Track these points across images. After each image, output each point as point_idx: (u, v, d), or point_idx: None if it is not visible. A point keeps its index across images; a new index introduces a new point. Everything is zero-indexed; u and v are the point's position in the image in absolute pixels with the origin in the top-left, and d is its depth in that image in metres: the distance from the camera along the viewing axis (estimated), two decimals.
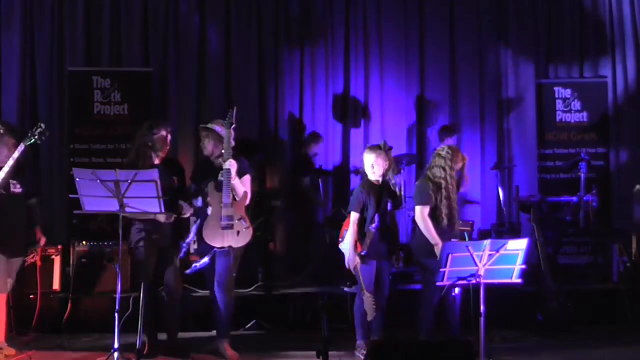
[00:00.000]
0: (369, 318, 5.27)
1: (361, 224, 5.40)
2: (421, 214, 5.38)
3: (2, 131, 5.36)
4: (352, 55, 8.37)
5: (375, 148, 5.48)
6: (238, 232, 5.25)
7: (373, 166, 5.41)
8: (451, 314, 5.47)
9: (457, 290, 5.41)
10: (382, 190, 5.39)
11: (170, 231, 5.38)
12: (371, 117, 8.35)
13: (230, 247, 5.27)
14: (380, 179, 5.45)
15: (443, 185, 5.41)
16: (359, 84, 8.36)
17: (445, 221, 5.39)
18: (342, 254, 5.49)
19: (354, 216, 5.41)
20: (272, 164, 8.16)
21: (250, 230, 5.34)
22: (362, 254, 5.28)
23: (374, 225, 5.27)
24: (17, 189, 5.39)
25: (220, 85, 8.18)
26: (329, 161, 8.19)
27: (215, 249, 5.23)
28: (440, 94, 8.38)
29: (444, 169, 5.44)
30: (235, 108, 5.47)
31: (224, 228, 5.20)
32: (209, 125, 5.43)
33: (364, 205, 5.39)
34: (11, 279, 5.43)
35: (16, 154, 5.22)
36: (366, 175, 5.51)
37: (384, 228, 5.38)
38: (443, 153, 5.52)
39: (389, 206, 5.38)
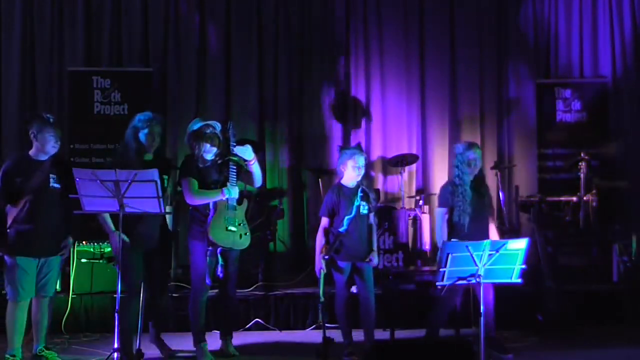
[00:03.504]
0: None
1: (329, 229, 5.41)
2: (437, 214, 5.51)
3: (51, 120, 5.09)
4: (353, 54, 8.38)
5: (362, 150, 5.54)
6: (240, 236, 5.28)
7: (360, 168, 5.41)
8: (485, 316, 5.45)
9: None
10: (354, 194, 5.34)
11: (160, 233, 5.29)
12: (372, 116, 8.36)
13: (232, 248, 5.30)
14: (357, 181, 5.45)
15: (457, 183, 5.45)
16: (360, 84, 8.37)
17: (467, 220, 5.40)
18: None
19: (322, 221, 5.44)
20: (272, 163, 8.16)
21: (249, 235, 5.37)
22: (326, 257, 5.18)
23: (342, 228, 5.19)
24: (55, 184, 5.07)
25: (220, 85, 8.19)
26: (331, 162, 8.19)
27: (220, 248, 5.23)
28: (441, 94, 8.38)
29: (457, 167, 5.51)
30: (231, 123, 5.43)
31: (228, 230, 5.21)
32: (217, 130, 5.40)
33: (334, 209, 5.40)
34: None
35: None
36: (339, 178, 5.50)
37: (356, 230, 5.34)
38: (454, 151, 5.60)
39: (362, 209, 5.33)
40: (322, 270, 5.14)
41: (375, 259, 5.46)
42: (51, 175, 5.07)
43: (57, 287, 6.43)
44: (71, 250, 6.52)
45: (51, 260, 5.15)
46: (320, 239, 5.40)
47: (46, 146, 5.08)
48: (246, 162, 5.33)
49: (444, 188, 5.59)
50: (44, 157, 5.11)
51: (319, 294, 4.83)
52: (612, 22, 8.40)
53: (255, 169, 5.39)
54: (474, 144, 5.62)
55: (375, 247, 5.51)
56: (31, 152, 5.13)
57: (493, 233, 5.58)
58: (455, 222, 5.43)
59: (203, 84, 8.19)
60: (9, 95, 7.90)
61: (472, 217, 5.41)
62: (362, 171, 5.42)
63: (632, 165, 8.21)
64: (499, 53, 8.45)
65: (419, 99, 8.39)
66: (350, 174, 5.41)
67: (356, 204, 5.27)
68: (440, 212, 5.50)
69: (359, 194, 5.29)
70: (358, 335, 5.46)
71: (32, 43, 7.98)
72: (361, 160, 5.41)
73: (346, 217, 5.19)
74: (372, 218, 5.48)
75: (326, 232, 5.43)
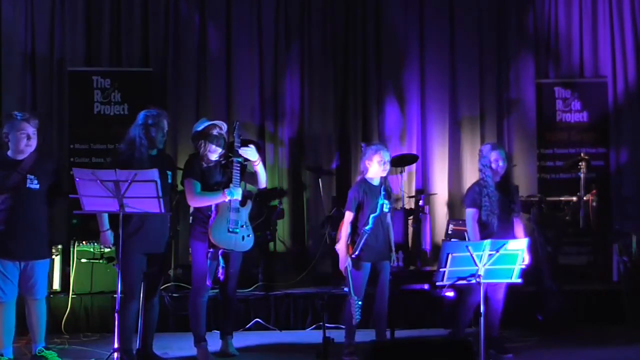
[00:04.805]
0: (353, 322, 5.21)
1: (355, 224, 5.35)
2: (467, 217, 5.52)
3: (19, 118, 5.00)
4: (352, 54, 8.37)
5: (387, 146, 5.53)
6: (243, 238, 5.28)
7: (386, 163, 5.37)
8: (492, 315, 5.47)
9: (451, 294, 5.45)
10: (378, 191, 5.36)
11: (166, 235, 5.24)
12: (371, 116, 8.34)
13: (233, 250, 5.30)
14: (381, 177, 5.43)
15: (483, 185, 5.49)
16: (359, 83, 8.36)
17: (494, 220, 5.42)
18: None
19: (348, 216, 5.35)
20: (272, 163, 8.15)
21: (253, 237, 5.38)
22: (353, 256, 5.22)
23: (368, 227, 5.20)
24: (33, 185, 5.00)
25: (221, 85, 8.19)
26: (331, 162, 8.20)
27: (221, 250, 5.23)
28: (441, 94, 8.37)
29: (481, 170, 5.57)
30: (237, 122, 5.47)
31: (230, 232, 5.22)
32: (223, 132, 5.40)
33: (360, 205, 5.35)
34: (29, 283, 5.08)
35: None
36: (362, 174, 5.48)
37: (379, 229, 5.34)
38: (479, 153, 5.66)
39: (385, 207, 5.35)
40: (347, 268, 5.19)
41: (394, 258, 5.53)
42: (29, 176, 5.00)
43: (58, 287, 6.55)
44: (71, 250, 6.60)
45: (35, 263, 5.07)
46: (345, 235, 5.32)
47: (19, 145, 5.01)
48: (251, 163, 5.35)
49: (471, 189, 5.62)
50: (21, 157, 5.03)
51: (324, 293, 4.83)
52: (612, 22, 8.39)
53: (260, 169, 5.40)
54: (496, 146, 5.67)
55: (393, 247, 5.52)
56: (8, 152, 5.07)
57: (519, 231, 5.60)
58: (484, 221, 5.45)
59: (203, 84, 8.19)
60: (9, 95, 7.89)
61: (500, 217, 5.44)
62: (388, 167, 5.40)
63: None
64: (499, 53, 8.44)
65: (419, 98, 8.39)
66: (376, 169, 5.37)
67: (380, 202, 5.27)
68: (470, 212, 5.50)
69: (382, 192, 5.30)
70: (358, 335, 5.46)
71: (32, 43, 7.97)
72: (387, 155, 5.38)
73: (372, 216, 5.21)
74: (389, 217, 5.49)
75: (352, 228, 5.36)
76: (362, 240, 5.20)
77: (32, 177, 5.01)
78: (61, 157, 7.71)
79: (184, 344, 5.74)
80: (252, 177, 5.44)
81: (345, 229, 5.33)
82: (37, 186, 5.03)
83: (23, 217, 4.99)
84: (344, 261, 5.29)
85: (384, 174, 5.38)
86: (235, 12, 8.25)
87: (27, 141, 5.01)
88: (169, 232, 5.28)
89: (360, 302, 5.15)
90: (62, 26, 7.99)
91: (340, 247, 5.34)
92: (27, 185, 4.99)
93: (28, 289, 5.09)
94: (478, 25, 8.43)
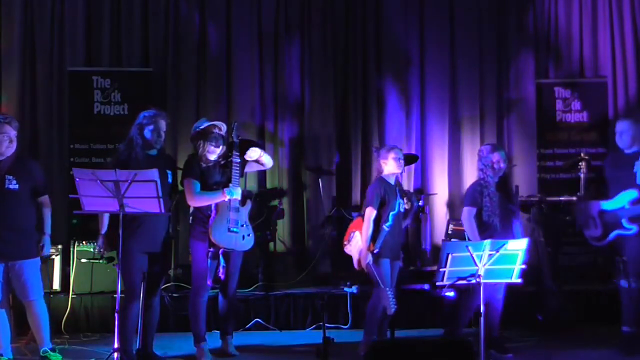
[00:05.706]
0: (390, 312, 5.18)
1: (377, 221, 5.37)
2: (465, 214, 5.51)
3: (1, 120, 5.06)
4: (352, 54, 8.36)
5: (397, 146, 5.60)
6: (243, 237, 5.29)
7: (401, 160, 5.46)
8: (492, 314, 5.48)
9: (451, 293, 5.45)
10: (394, 190, 5.40)
11: (165, 235, 5.26)
12: (371, 116, 8.34)
13: (234, 250, 5.30)
14: (396, 174, 5.47)
15: (484, 185, 5.49)
16: (359, 83, 8.35)
17: (496, 221, 5.43)
18: (344, 255, 5.48)
19: (369, 212, 5.35)
20: (272, 163, 8.14)
21: (253, 237, 5.40)
22: (375, 252, 5.25)
23: (388, 223, 5.26)
24: (12, 185, 5.03)
25: (221, 85, 8.18)
26: (330, 162, 8.19)
27: (222, 249, 5.24)
28: (441, 94, 8.37)
29: (481, 170, 5.57)
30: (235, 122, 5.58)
31: (230, 231, 5.22)
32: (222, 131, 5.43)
33: (382, 202, 5.36)
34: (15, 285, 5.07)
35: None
36: (380, 174, 5.50)
37: (397, 228, 5.38)
38: (479, 154, 5.66)
39: (401, 206, 5.37)
40: (369, 263, 5.22)
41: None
42: (7, 177, 5.02)
43: (58, 287, 6.55)
44: (71, 250, 6.60)
45: (22, 263, 5.05)
46: (367, 231, 5.32)
47: (0, 147, 5.04)
48: (255, 160, 5.45)
49: (472, 188, 5.62)
50: (0, 159, 5.06)
51: (324, 293, 4.84)
52: (612, 22, 8.38)
53: (266, 159, 5.56)
54: (497, 146, 5.69)
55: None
56: None
57: (518, 231, 5.62)
58: (485, 222, 5.46)
59: (203, 84, 8.19)
60: (9, 95, 7.89)
61: (500, 217, 5.46)
62: (403, 163, 5.47)
63: None
64: (499, 53, 8.44)
65: (419, 98, 8.38)
66: (392, 165, 5.44)
67: (398, 201, 5.33)
68: (469, 211, 5.51)
69: (397, 192, 5.37)
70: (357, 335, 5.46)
71: (32, 43, 7.97)
72: (400, 153, 5.47)
73: (391, 213, 5.29)
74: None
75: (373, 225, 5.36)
76: (383, 237, 5.24)
77: (11, 177, 5.04)
78: (61, 157, 7.72)
79: (184, 344, 5.75)
80: (260, 164, 5.60)
81: (366, 226, 5.34)
82: (17, 187, 5.04)
83: (3, 218, 5.00)
84: (365, 258, 5.30)
85: (400, 171, 5.48)
86: (235, 12, 8.24)
87: (8, 143, 5.06)
88: (168, 232, 5.28)
89: (391, 291, 5.15)
90: (62, 26, 8.00)
91: (357, 244, 5.37)
92: (6, 186, 5.01)
93: (20, 290, 5.07)
94: (478, 25, 8.42)
